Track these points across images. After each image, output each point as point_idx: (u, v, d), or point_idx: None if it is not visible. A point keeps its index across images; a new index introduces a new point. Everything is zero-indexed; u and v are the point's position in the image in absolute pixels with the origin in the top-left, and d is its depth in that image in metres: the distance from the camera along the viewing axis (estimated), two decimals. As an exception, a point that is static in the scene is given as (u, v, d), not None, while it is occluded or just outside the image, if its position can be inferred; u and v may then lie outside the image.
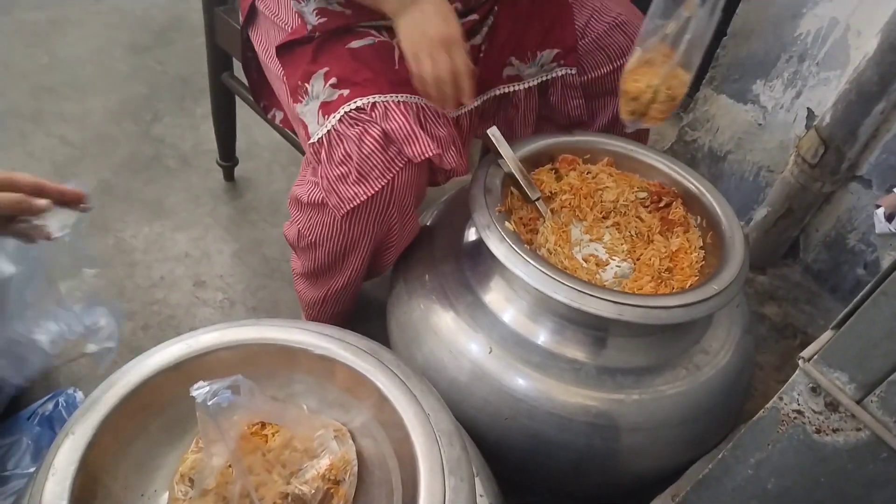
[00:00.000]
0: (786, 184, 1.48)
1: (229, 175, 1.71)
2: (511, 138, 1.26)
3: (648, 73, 1.00)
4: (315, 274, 1.11)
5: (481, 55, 1.15)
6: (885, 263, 0.67)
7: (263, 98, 1.23)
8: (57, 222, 0.76)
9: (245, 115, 1.57)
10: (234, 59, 1.42)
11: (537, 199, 1.08)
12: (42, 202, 0.74)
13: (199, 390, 0.70)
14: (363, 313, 1.28)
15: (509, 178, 1.08)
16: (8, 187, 0.74)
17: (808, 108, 1.45)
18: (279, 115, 1.23)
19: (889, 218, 0.69)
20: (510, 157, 1.06)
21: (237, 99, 1.50)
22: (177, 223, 1.60)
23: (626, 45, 1.16)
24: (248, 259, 1.54)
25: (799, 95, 1.46)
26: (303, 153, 1.24)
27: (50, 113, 1.76)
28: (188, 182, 1.71)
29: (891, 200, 0.68)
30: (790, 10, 1.41)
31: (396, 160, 0.94)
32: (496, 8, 1.12)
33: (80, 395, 1.16)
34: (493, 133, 1.07)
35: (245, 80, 1.27)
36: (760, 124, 1.56)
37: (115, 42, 2.11)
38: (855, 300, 0.62)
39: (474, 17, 1.10)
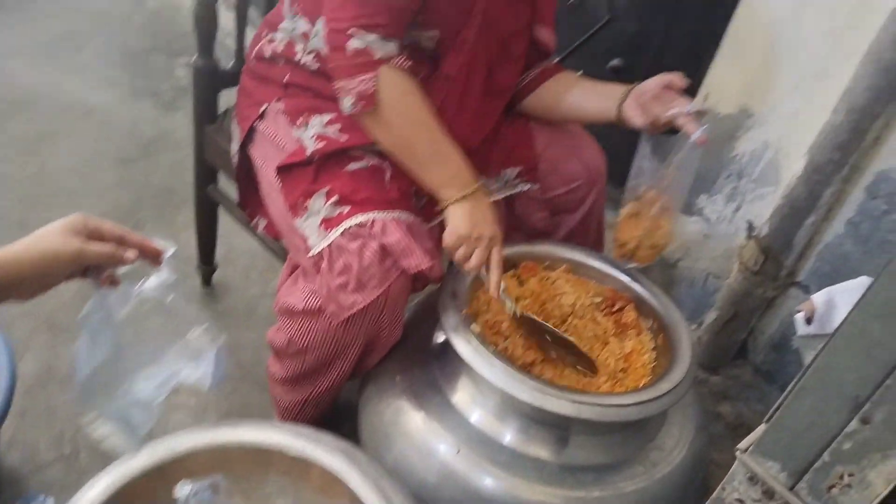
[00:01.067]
0: (731, 290, 1.59)
1: (207, 280, 1.77)
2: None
3: (634, 225, 1.13)
4: (299, 378, 1.16)
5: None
6: (807, 360, 0.75)
7: (250, 206, 1.32)
8: (156, 280, 0.77)
9: (225, 223, 1.65)
10: (218, 173, 1.52)
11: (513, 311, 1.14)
12: (131, 255, 0.75)
13: (183, 490, 0.74)
14: (334, 414, 1.32)
15: (477, 283, 1.16)
16: (97, 237, 0.75)
17: (748, 221, 1.59)
18: (262, 223, 1.31)
19: (808, 321, 0.78)
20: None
21: (220, 208, 1.59)
22: (154, 327, 1.63)
23: (579, 172, 1.29)
24: (223, 362, 1.57)
25: (739, 209, 1.60)
26: (282, 260, 1.31)
27: (35, 220, 1.81)
28: (167, 287, 1.76)
29: (808, 306, 0.78)
30: (727, 134, 1.56)
31: (392, 271, 1.02)
32: None
33: (51, 501, 1.15)
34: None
35: (228, 193, 1.35)
36: (706, 235, 1.69)
37: (102, 154, 2.21)
38: (783, 395, 0.69)
39: None
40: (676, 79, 1.15)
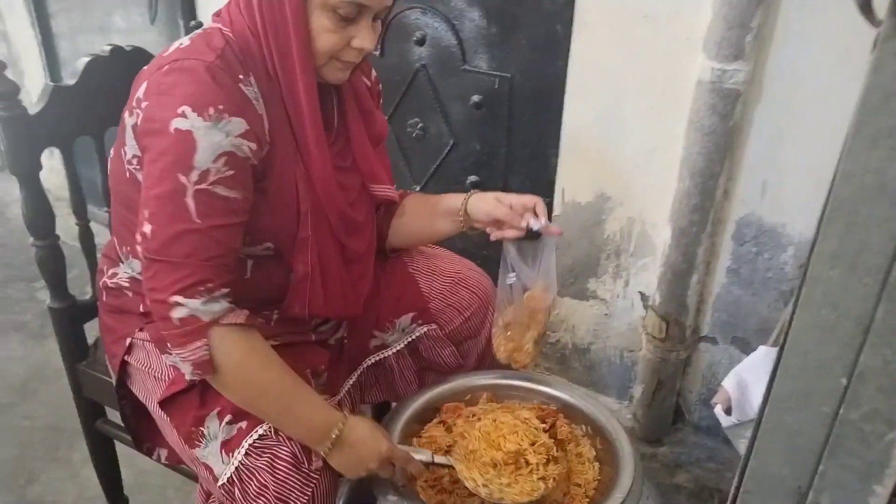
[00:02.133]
0: (647, 360, 1.62)
1: (121, 517, 1.61)
2: (396, 399, 1.33)
3: (515, 332, 1.14)
4: None
5: (345, 341, 1.24)
6: (741, 450, 0.76)
7: (145, 441, 1.22)
8: None
9: (126, 448, 1.53)
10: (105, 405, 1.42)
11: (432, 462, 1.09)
12: None
13: None
14: None
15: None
16: None
17: (639, 292, 1.64)
18: (163, 453, 1.22)
19: (727, 412, 0.79)
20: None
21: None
22: None
23: (469, 297, 1.30)
24: None
25: (627, 284, 1.66)
26: (195, 479, 1.22)
27: None
28: (77, 540, 1.59)
29: (722, 395, 0.79)
30: (594, 219, 1.64)
31: (311, 475, 0.95)
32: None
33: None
34: None
35: (120, 422, 1.25)
36: (606, 314, 1.73)
37: (-28, 410, 2.02)
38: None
39: (329, 324, 1.19)
40: (539, 206, 1.14)
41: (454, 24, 1.68)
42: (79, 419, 1.46)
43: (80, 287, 1.38)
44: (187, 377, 0.94)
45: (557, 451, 1.14)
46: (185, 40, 0.96)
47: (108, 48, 1.25)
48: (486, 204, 1.16)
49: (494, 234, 1.17)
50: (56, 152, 1.23)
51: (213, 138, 0.87)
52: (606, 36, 1.47)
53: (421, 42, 1.75)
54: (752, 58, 1.28)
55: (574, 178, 1.63)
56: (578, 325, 1.79)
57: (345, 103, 1.10)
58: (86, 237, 1.33)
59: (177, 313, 0.89)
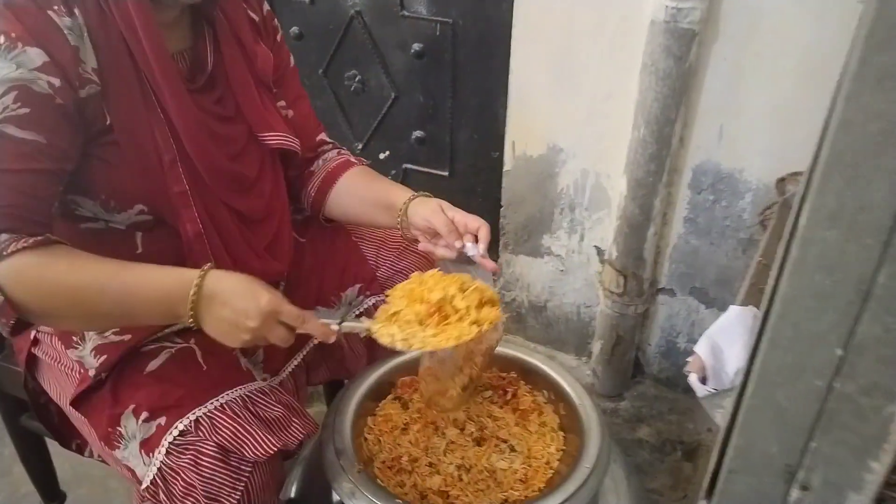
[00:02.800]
0: (605, 316, 1.58)
1: (60, 513, 1.51)
2: (348, 376, 1.25)
3: (428, 374, 1.03)
4: None
5: (284, 318, 1.15)
6: (719, 420, 0.71)
7: (72, 439, 1.12)
8: None
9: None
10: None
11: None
12: None
13: None
14: None
15: (359, 423, 1.04)
16: None
17: (595, 247, 1.59)
18: (94, 449, 1.12)
19: (703, 381, 0.75)
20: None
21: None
22: None
23: (418, 261, 1.21)
24: None
25: (583, 238, 1.60)
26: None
27: None
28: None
29: (696, 363, 0.74)
30: (546, 172, 1.56)
31: (242, 469, 0.87)
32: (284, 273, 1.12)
33: None
34: None
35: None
36: (562, 270, 1.67)
37: None
38: (710, 474, 0.64)
39: None
40: (483, 231, 1.01)
41: (389, -34, 1.56)
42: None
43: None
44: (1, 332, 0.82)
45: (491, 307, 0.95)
46: None
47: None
48: (426, 209, 1.04)
49: (423, 245, 1.06)
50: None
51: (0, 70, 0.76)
52: (554, -25, 1.37)
53: (354, -13, 1.63)
54: (707, -6, 1.20)
55: (524, 129, 1.54)
56: (534, 283, 1.74)
57: (220, 42, 0.97)
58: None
59: None
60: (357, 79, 1.74)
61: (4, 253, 0.78)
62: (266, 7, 1.08)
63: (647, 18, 1.26)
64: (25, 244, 0.78)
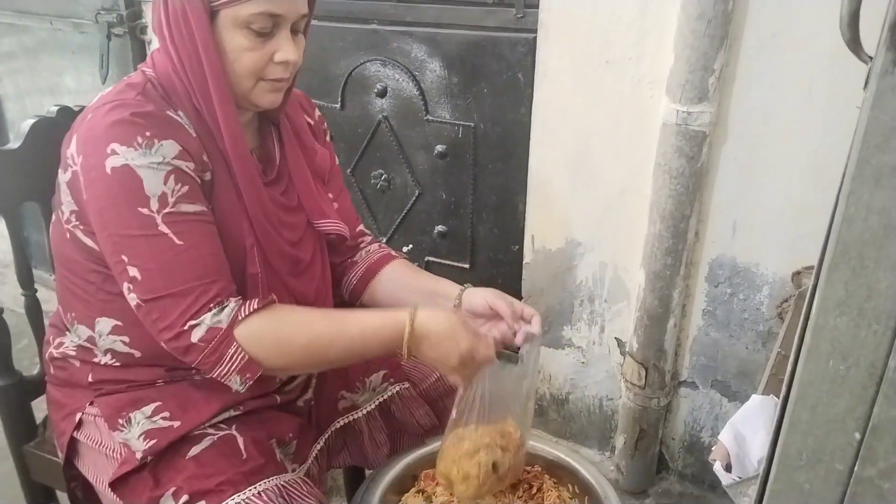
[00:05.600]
0: (628, 409, 1.57)
1: None
2: (367, 465, 1.25)
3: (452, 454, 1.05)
4: None
5: (313, 403, 1.17)
6: (743, 509, 0.72)
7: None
8: None
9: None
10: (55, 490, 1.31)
11: None
12: None
13: None
14: None
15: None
16: None
17: (616, 338, 1.61)
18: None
19: (727, 468, 0.75)
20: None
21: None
22: None
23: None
24: None
25: (603, 330, 1.62)
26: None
27: None
28: None
29: (720, 451, 0.75)
30: (565, 265, 1.61)
31: None
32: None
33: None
34: None
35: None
36: (583, 362, 1.68)
37: None
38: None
39: (295, 383, 1.12)
40: (527, 311, 1.10)
41: (415, 75, 1.67)
42: (28, 505, 1.35)
43: (29, 358, 1.29)
44: (237, 388, 0.91)
45: None
46: (108, 88, 0.95)
47: (55, 109, 1.19)
48: (489, 295, 1.12)
49: (487, 325, 1.11)
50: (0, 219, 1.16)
51: (151, 164, 0.86)
52: (570, 82, 1.46)
53: (382, 94, 1.73)
54: (716, 99, 1.28)
55: (543, 224, 1.60)
56: (555, 375, 1.75)
57: (284, 140, 1.08)
58: (32, 308, 1.25)
59: (196, 334, 0.87)
60: (383, 177, 1.82)
61: (239, 318, 0.89)
62: (318, 112, 1.20)
63: (660, 121, 1.33)
64: (255, 307, 0.90)
